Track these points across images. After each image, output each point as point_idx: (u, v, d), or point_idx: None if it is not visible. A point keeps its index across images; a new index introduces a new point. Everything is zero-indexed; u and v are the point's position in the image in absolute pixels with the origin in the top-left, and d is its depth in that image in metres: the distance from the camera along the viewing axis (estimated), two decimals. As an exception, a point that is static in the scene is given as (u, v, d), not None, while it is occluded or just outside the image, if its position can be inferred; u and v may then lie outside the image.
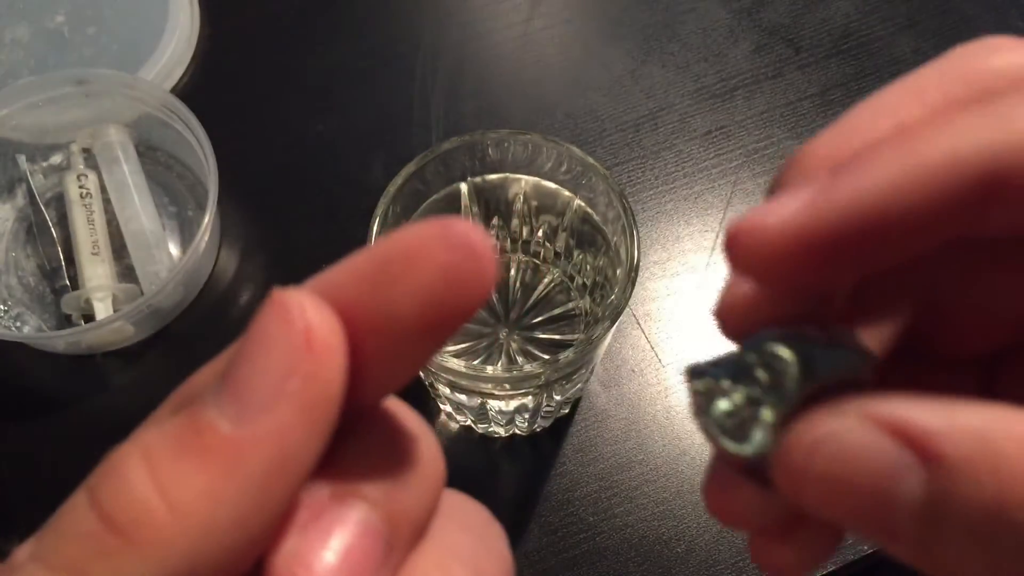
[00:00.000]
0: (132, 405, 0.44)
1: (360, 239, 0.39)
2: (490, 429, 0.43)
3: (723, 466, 0.15)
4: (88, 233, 0.46)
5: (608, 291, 0.37)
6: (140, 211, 0.47)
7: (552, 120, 0.51)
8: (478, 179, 0.40)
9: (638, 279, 0.36)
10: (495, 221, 0.41)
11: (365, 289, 0.14)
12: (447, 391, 0.38)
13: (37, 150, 0.49)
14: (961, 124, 0.12)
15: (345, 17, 0.55)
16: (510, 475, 0.43)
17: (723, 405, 0.14)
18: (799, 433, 0.13)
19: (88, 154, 0.49)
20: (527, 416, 0.41)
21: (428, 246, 0.13)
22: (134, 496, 0.13)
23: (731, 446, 0.14)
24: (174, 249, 0.47)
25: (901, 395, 0.13)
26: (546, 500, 0.42)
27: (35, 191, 0.47)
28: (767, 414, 0.14)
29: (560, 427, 0.43)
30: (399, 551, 0.14)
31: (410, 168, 0.37)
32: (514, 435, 0.43)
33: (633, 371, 0.44)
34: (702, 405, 0.14)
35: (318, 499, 0.14)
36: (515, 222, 0.40)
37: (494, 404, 0.39)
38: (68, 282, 0.46)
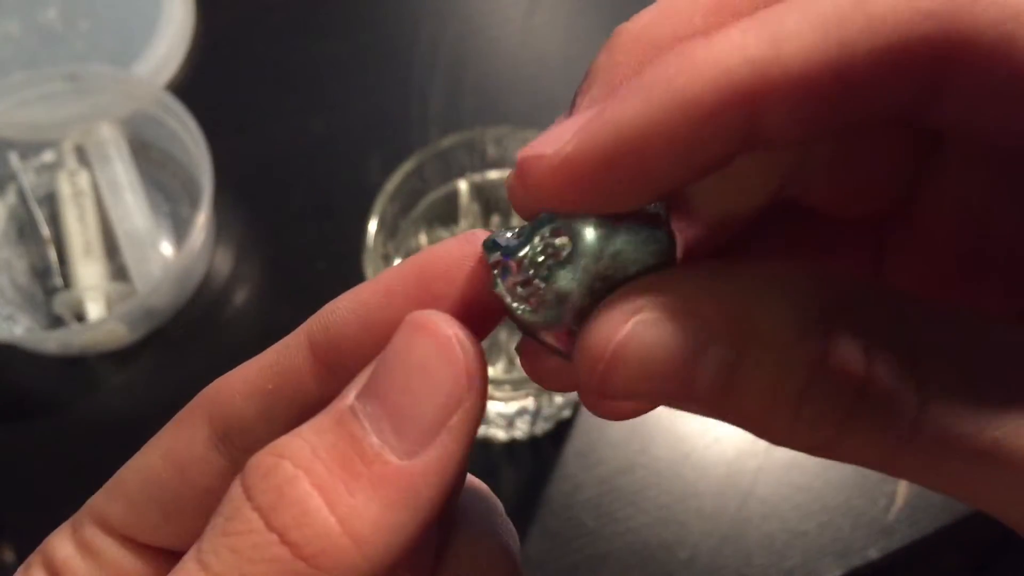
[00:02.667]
0: (125, 408, 0.44)
1: (357, 238, 0.39)
2: (490, 432, 0.42)
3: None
4: (80, 232, 0.45)
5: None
6: (133, 209, 0.46)
7: (552, 116, 0.50)
8: (477, 177, 0.39)
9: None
10: (495, 219, 0.40)
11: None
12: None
13: (28, 147, 0.48)
14: (722, 49, 0.12)
15: (342, 12, 0.54)
16: (510, 479, 0.42)
17: (515, 281, 0.14)
18: (597, 338, 0.13)
19: (80, 151, 0.48)
20: (528, 419, 0.40)
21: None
22: (318, 528, 0.14)
23: (525, 316, 0.14)
24: (168, 248, 0.47)
25: (686, 274, 0.13)
26: (547, 504, 0.41)
27: (26, 189, 0.47)
28: (561, 288, 0.14)
29: (561, 430, 0.42)
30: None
31: (408, 166, 0.36)
32: (514, 439, 0.42)
33: (635, 373, 0.43)
34: (495, 277, 0.15)
35: None
36: (515, 220, 0.40)
37: (494, 407, 0.39)
38: (60, 281, 0.45)
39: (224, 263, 0.47)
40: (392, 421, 0.14)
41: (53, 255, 0.46)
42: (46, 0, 0.52)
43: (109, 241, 0.46)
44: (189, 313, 0.46)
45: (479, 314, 0.16)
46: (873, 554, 0.40)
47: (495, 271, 0.15)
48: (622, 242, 0.14)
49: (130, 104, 0.47)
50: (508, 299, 0.15)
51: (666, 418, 0.43)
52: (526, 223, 0.15)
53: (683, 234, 0.16)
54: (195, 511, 0.17)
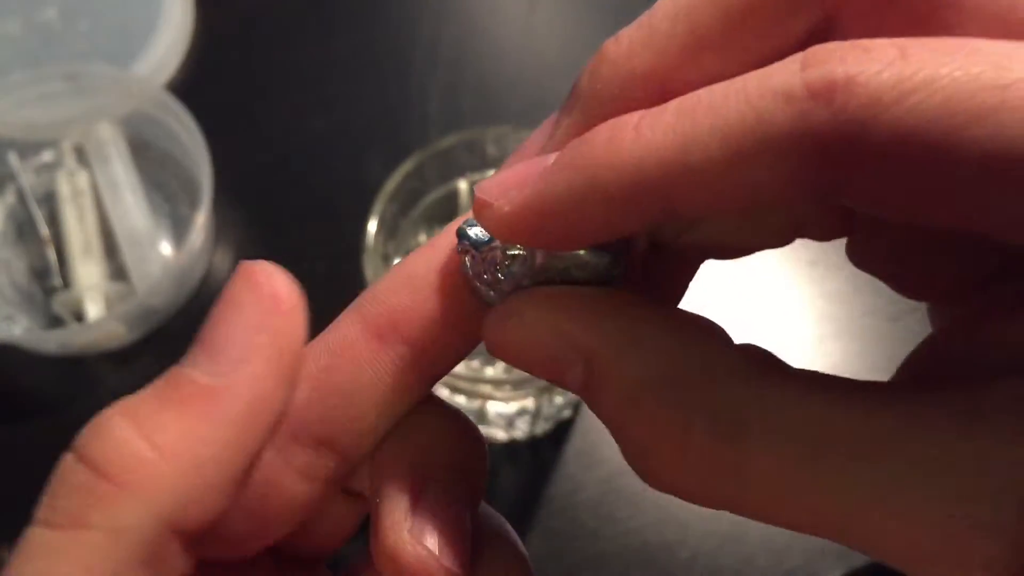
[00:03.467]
0: (124, 407, 0.44)
1: (357, 237, 0.39)
2: (490, 433, 0.42)
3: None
4: (80, 232, 0.45)
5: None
6: (133, 209, 0.46)
7: (553, 116, 0.50)
8: (477, 176, 0.39)
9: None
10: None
11: None
12: (446, 393, 0.37)
13: (28, 147, 0.48)
14: (652, 138, 0.14)
15: (342, 11, 0.54)
16: (510, 479, 0.42)
17: (478, 266, 0.17)
18: (493, 316, 0.16)
19: (80, 151, 0.48)
20: (528, 419, 0.40)
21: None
22: (122, 447, 0.15)
23: (486, 299, 0.17)
24: (167, 248, 0.47)
25: (572, 300, 0.16)
26: (547, 505, 0.41)
27: (26, 189, 0.47)
28: (515, 281, 0.17)
29: (561, 430, 0.42)
30: None
31: (408, 166, 0.36)
32: (514, 439, 0.42)
33: (636, 372, 0.43)
34: (463, 260, 0.17)
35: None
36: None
37: (494, 407, 0.39)
38: (60, 281, 0.45)
39: (223, 263, 0.47)
40: (205, 351, 0.16)
41: (52, 255, 0.46)
42: (45, 0, 0.52)
43: (108, 241, 0.46)
44: (188, 313, 0.46)
45: None
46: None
47: (464, 256, 0.17)
48: (568, 260, 0.16)
49: (129, 104, 0.47)
50: (473, 281, 0.17)
51: (667, 418, 0.43)
52: None
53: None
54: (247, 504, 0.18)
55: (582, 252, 0.16)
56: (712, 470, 0.14)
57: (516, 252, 0.17)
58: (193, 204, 0.47)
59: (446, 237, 0.18)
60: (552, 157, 0.15)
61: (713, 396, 0.14)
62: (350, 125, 0.50)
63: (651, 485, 0.15)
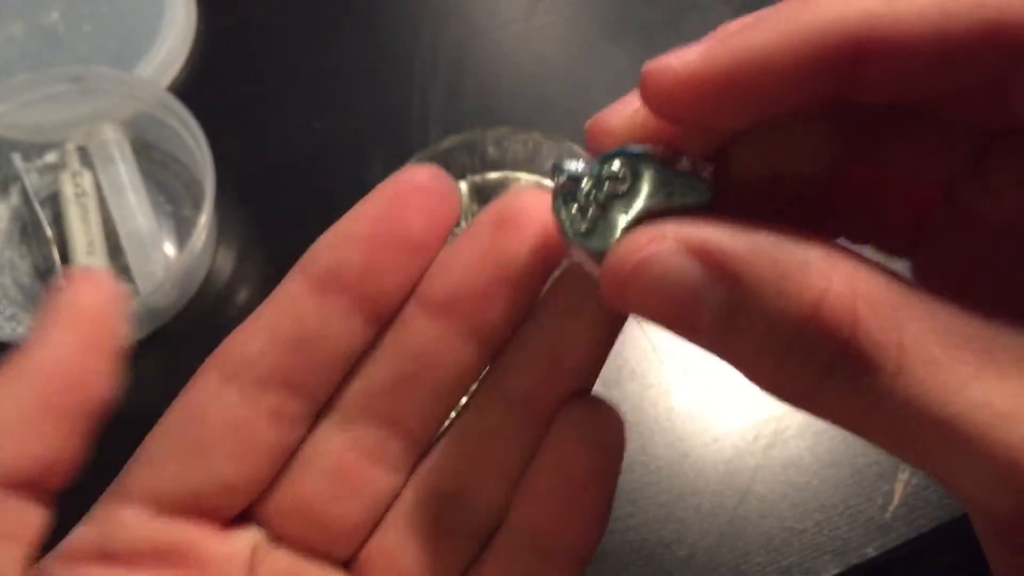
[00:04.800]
0: (126, 407, 0.44)
1: (358, 238, 0.39)
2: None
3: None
4: (83, 232, 0.46)
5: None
6: (136, 210, 0.46)
7: (553, 118, 0.50)
8: (478, 178, 0.40)
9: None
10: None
11: None
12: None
13: (32, 148, 0.48)
14: None
15: (343, 13, 0.54)
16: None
17: (575, 206, 0.16)
18: (625, 251, 0.15)
19: (83, 152, 0.48)
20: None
21: None
22: None
23: (578, 239, 0.16)
24: (170, 249, 0.47)
25: (715, 221, 0.15)
26: (546, 503, 0.41)
27: (29, 190, 0.47)
28: (615, 219, 0.16)
29: (561, 429, 0.43)
30: None
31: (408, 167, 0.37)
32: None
33: (634, 371, 0.44)
34: (558, 200, 0.16)
35: None
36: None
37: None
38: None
39: (226, 263, 0.47)
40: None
41: (56, 255, 0.46)
42: (49, 2, 0.52)
43: (112, 241, 0.46)
44: (191, 313, 0.46)
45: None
46: (871, 552, 0.40)
47: (558, 194, 0.17)
48: (673, 186, 0.16)
49: (133, 105, 0.47)
50: (565, 221, 0.16)
51: (665, 418, 0.43)
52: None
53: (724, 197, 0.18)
54: (219, 447, 0.19)
55: (687, 178, 0.16)
56: (866, 367, 0.14)
57: (623, 175, 0.16)
58: (196, 205, 0.48)
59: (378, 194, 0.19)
60: (720, 35, 0.15)
61: (876, 285, 0.14)
62: (351, 127, 0.50)
63: (786, 401, 0.15)
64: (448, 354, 0.19)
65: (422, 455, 0.20)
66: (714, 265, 0.14)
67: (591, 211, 0.16)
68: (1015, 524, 0.13)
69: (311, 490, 0.20)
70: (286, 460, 0.20)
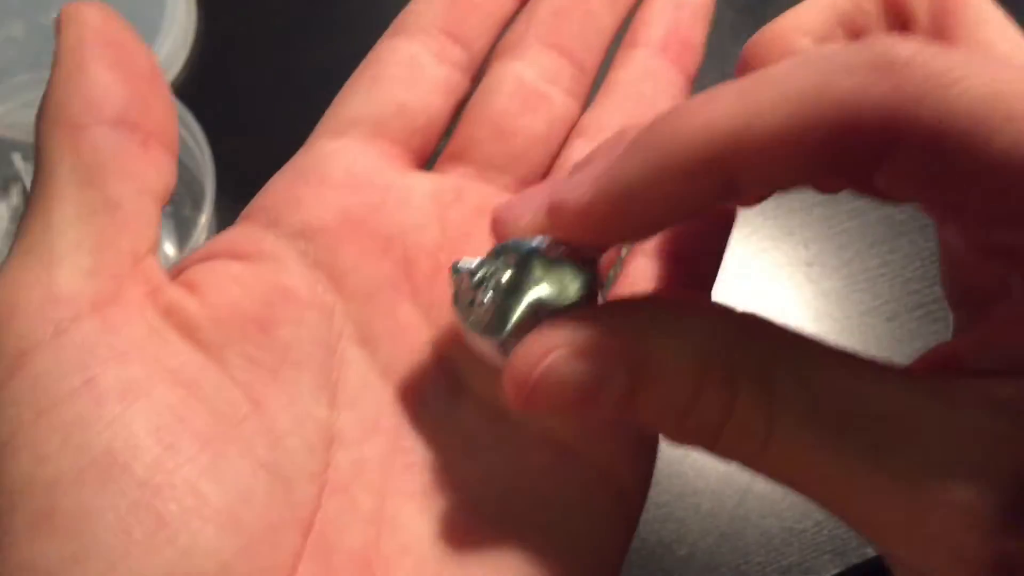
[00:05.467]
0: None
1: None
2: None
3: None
4: (84, 232, 0.46)
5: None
6: (136, 210, 0.46)
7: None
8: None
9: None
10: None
11: None
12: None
13: (32, 148, 0.48)
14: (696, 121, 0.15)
15: (344, 14, 0.54)
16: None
17: (472, 300, 0.18)
18: (524, 364, 0.16)
19: (84, 152, 0.48)
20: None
21: None
22: None
23: (476, 332, 0.18)
24: (170, 249, 0.47)
25: (600, 315, 0.17)
26: (546, 502, 0.41)
27: (30, 190, 0.47)
28: (509, 311, 0.17)
29: (561, 428, 0.43)
30: None
31: (409, 167, 0.36)
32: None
33: (634, 372, 0.44)
34: (457, 297, 0.18)
35: None
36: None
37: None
38: (63, 282, 0.45)
39: (226, 263, 0.47)
40: None
41: (57, 255, 0.46)
42: (49, 2, 0.52)
43: (112, 241, 0.46)
44: (192, 313, 0.46)
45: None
46: (871, 552, 0.40)
47: (457, 291, 0.18)
48: (561, 275, 0.17)
49: (133, 105, 0.47)
50: (464, 316, 0.18)
51: (665, 417, 0.43)
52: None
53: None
54: (394, 80, 0.24)
55: (571, 268, 0.17)
56: (744, 432, 0.15)
57: (510, 272, 0.17)
58: (196, 205, 0.48)
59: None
60: (606, 164, 0.16)
61: (753, 361, 0.15)
62: (351, 126, 0.50)
63: (691, 446, 0.17)
64: None
65: (589, 88, 0.24)
66: (607, 360, 0.16)
67: (487, 304, 0.17)
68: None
69: (499, 108, 0.23)
70: (458, 100, 0.23)
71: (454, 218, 0.22)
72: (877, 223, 0.48)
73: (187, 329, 0.18)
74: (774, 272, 0.47)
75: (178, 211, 0.48)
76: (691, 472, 0.41)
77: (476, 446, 0.20)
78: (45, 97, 0.18)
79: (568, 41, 0.23)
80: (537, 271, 0.17)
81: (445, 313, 0.21)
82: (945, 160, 0.13)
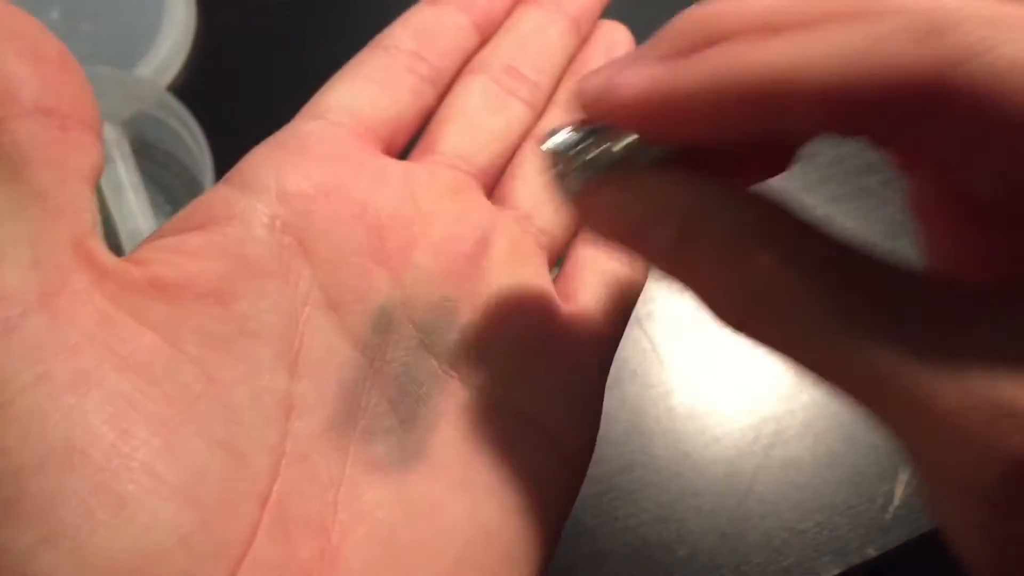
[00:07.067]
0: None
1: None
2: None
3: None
4: (83, 232, 0.46)
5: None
6: (136, 211, 0.46)
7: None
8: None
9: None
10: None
11: None
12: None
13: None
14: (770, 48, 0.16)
15: (344, 13, 0.54)
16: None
17: (563, 168, 0.19)
18: (588, 190, 0.18)
19: (83, 152, 0.48)
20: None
21: None
22: None
23: (567, 197, 0.19)
24: (170, 248, 0.47)
25: (664, 170, 0.18)
26: (547, 503, 0.41)
27: None
28: (595, 166, 0.19)
29: (561, 429, 0.43)
30: None
31: (409, 167, 0.37)
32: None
33: (634, 372, 0.44)
34: (549, 163, 0.19)
35: None
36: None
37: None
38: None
39: (226, 263, 0.47)
40: None
41: (56, 255, 0.46)
42: (49, 2, 0.52)
43: (112, 242, 0.46)
44: (191, 313, 0.46)
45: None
46: (871, 552, 0.40)
47: (549, 157, 0.19)
48: (646, 151, 0.18)
49: (132, 105, 0.47)
50: (556, 181, 0.19)
51: (665, 418, 0.43)
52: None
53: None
54: (369, 80, 0.28)
55: (656, 146, 0.18)
56: (787, 304, 0.15)
57: (602, 140, 0.18)
58: (195, 205, 0.48)
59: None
60: (667, 65, 0.17)
61: (801, 232, 0.16)
62: (351, 126, 0.50)
63: (736, 329, 0.16)
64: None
65: (544, 103, 0.27)
66: (664, 201, 0.17)
67: (578, 170, 0.19)
68: (1007, 481, 0.14)
69: (468, 110, 0.25)
70: (426, 106, 0.26)
71: (427, 195, 0.23)
72: (877, 223, 0.48)
73: (138, 311, 0.18)
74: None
75: (177, 211, 0.48)
76: (691, 473, 0.42)
77: (437, 411, 0.21)
78: None
79: (527, 65, 0.27)
80: (625, 146, 0.18)
81: (418, 279, 0.22)
82: (979, 123, 0.14)
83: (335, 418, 0.20)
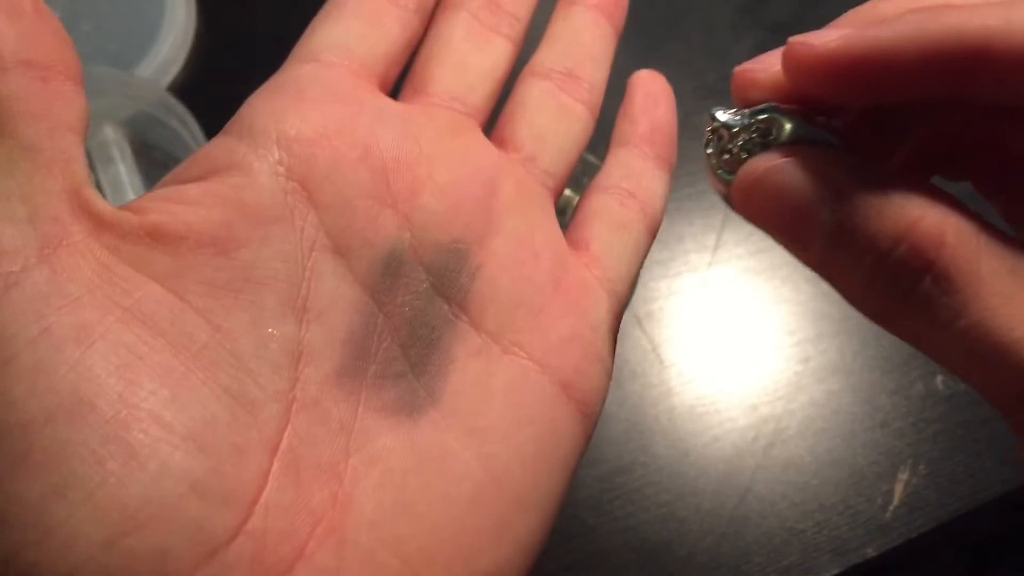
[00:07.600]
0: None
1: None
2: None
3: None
4: (83, 232, 0.46)
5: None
6: (136, 210, 0.46)
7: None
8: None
9: (639, 279, 0.35)
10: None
11: None
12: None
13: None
14: (963, 10, 0.16)
15: (343, 14, 0.54)
16: (510, 477, 0.42)
17: (722, 149, 0.19)
18: (749, 168, 0.18)
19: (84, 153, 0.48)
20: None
21: None
22: None
23: (722, 176, 0.19)
24: (170, 248, 0.47)
25: (832, 155, 0.18)
26: (546, 503, 0.41)
27: None
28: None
29: (561, 429, 0.43)
30: None
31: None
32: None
33: (635, 372, 0.44)
34: (709, 143, 0.20)
35: None
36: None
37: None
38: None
39: (226, 263, 0.47)
40: None
41: (56, 255, 0.46)
42: (48, 2, 0.52)
43: (112, 241, 0.46)
44: (191, 313, 0.46)
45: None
46: (871, 552, 0.40)
47: (710, 138, 0.20)
48: (809, 137, 0.18)
49: (132, 105, 0.47)
50: (714, 161, 0.19)
51: (665, 418, 0.43)
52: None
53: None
54: (354, 13, 0.26)
55: (820, 130, 0.18)
56: (945, 293, 0.16)
57: (768, 128, 0.19)
58: (196, 205, 0.47)
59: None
60: (856, 27, 0.17)
61: (958, 223, 0.16)
62: (351, 126, 0.50)
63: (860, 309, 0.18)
64: None
65: (523, 34, 0.27)
66: (829, 186, 0.17)
67: (736, 153, 0.19)
68: None
69: (454, 48, 0.25)
70: (412, 36, 0.25)
71: (429, 136, 0.23)
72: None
73: (140, 262, 0.18)
74: (773, 272, 0.47)
75: (178, 211, 0.48)
76: (691, 472, 0.42)
77: (448, 356, 0.21)
78: None
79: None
80: (788, 130, 0.18)
81: (427, 222, 0.21)
82: None
83: (345, 364, 0.20)
